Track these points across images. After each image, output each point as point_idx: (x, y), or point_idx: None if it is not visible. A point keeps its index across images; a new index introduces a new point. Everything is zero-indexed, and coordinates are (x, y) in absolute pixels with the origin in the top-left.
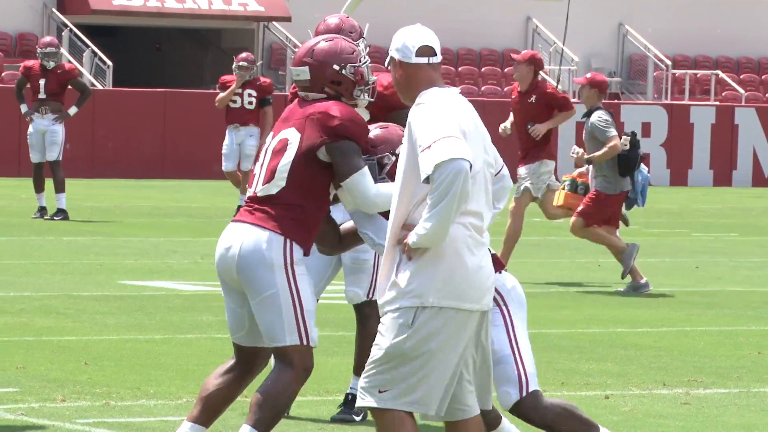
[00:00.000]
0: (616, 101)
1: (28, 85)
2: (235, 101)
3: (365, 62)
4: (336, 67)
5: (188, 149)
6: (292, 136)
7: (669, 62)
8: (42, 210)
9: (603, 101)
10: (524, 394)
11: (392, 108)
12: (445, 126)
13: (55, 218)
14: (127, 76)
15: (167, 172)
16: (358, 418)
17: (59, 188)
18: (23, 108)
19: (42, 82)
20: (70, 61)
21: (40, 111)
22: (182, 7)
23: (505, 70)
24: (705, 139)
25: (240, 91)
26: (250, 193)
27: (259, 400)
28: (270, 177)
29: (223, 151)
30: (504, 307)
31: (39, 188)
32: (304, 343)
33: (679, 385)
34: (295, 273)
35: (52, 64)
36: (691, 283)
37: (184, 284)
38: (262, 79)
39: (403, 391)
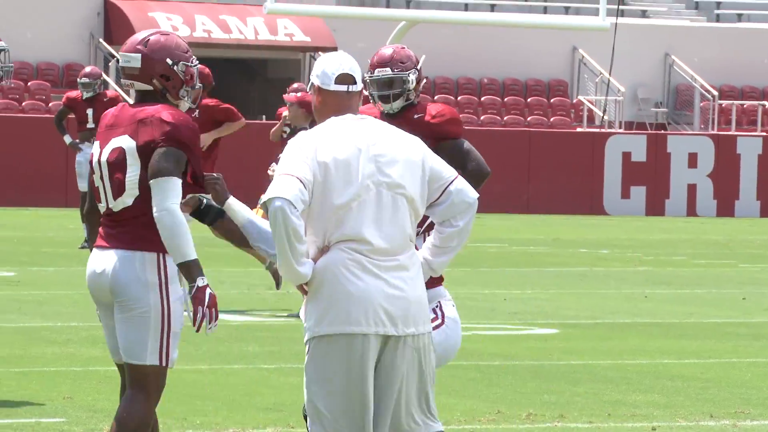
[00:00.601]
0: (662, 132)
1: (71, 115)
2: (285, 132)
3: (196, 65)
4: (169, 61)
5: (236, 179)
6: (127, 143)
7: (715, 92)
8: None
9: (310, 123)
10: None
11: (442, 137)
12: (287, 162)
13: None
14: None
15: None
16: None
17: None
18: (67, 139)
19: (90, 111)
20: (116, 91)
21: (91, 140)
22: (228, 38)
23: (552, 100)
24: (752, 170)
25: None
26: (102, 208)
27: (115, 429)
28: (120, 189)
29: None
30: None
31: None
32: (163, 364)
33: (726, 416)
34: (169, 292)
35: (89, 94)
36: (737, 315)
37: (232, 315)
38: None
39: (315, 417)
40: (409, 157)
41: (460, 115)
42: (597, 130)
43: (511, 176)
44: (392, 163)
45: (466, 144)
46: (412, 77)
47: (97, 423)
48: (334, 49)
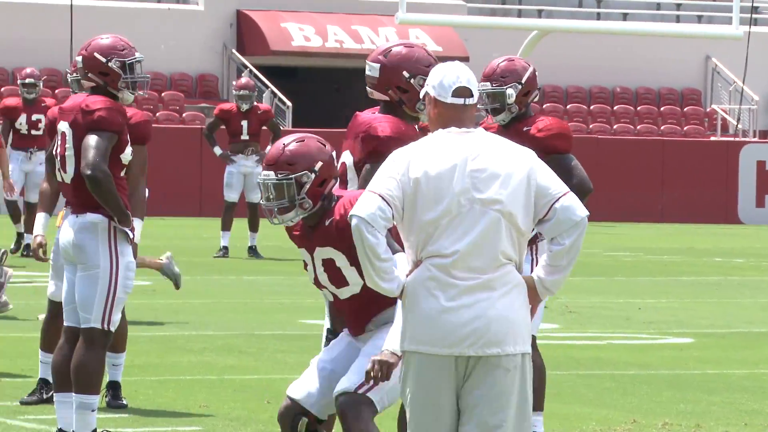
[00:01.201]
0: None
1: (222, 127)
2: None
3: (133, 59)
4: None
5: None
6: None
7: None
8: (224, 249)
9: None
10: (361, 391)
11: (548, 151)
12: (376, 177)
13: (260, 256)
14: (306, 117)
15: None
16: None
17: (255, 228)
18: (217, 150)
19: (244, 123)
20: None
21: (245, 152)
22: (361, 48)
23: (685, 109)
24: None
25: None
26: (59, 178)
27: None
28: (63, 164)
29: None
30: None
31: (227, 227)
32: (106, 328)
33: None
34: (118, 255)
35: (246, 107)
36: None
37: None
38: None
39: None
40: (512, 171)
41: (593, 125)
42: (731, 139)
43: (644, 185)
44: (490, 178)
45: (574, 161)
46: (510, 92)
47: (232, 431)
48: (466, 59)
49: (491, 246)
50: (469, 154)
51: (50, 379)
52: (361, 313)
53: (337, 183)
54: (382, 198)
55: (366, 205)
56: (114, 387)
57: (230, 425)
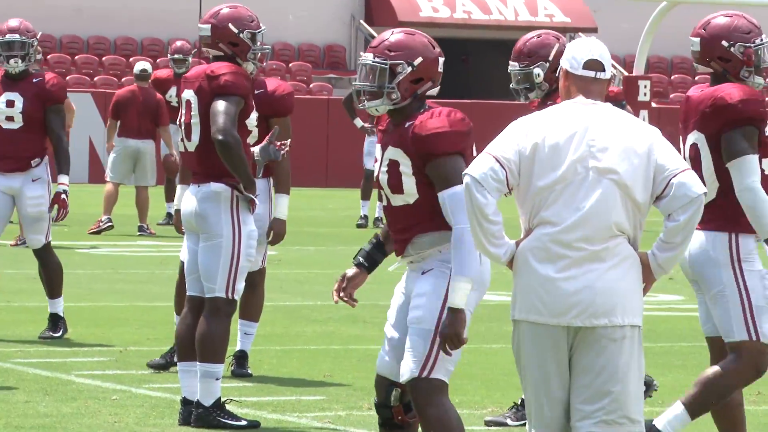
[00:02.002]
0: None
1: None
2: None
3: (260, 30)
4: (234, 30)
5: None
6: (192, 97)
7: None
8: (364, 218)
9: None
10: (424, 375)
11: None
12: (495, 140)
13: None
14: None
15: None
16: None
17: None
18: (358, 122)
19: None
20: None
21: None
22: (488, 19)
23: None
24: None
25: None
26: (181, 148)
27: None
28: (189, 132)
29: None
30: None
31: (366, 196)
32: (230, 296)
33: None
34: (240, 224)
35: None
36: None
37: (492, 294)
38: (613, 88)
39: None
40: (631, 145)
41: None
42: None
43: None
44: (608, 148)
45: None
46: (538, 71)
47: (356, 401)
48: (595, 30)
49: (604, 216)
50: (590, 123)
51: None
52: (406, 226)
53: (434, 87)
54: (497, 159)
55: (479, 165)
56: (242, 356)
57: (354, 395)
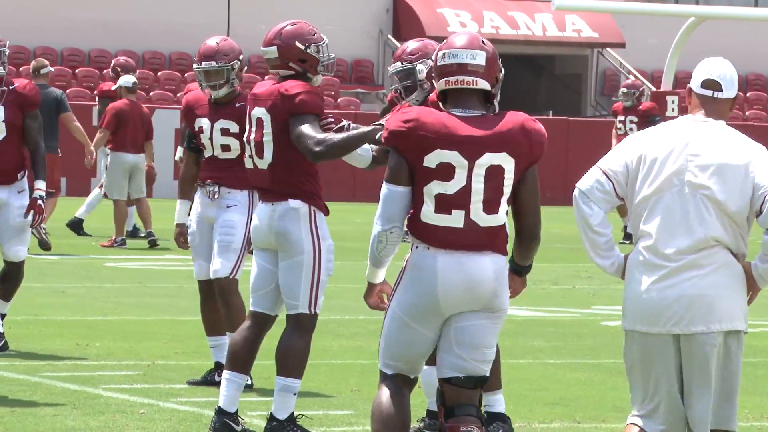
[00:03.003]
0: None
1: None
2: (619, 128)
3: (324, 42)
4: (301, 46)
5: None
6: (264, 115)
7: None
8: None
9: None
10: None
11: None
12: (607, 155)
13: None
14: None
15: None
16: None
17: None
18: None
19: None
20: None
21: None
22: (516, 34)
23: None
24: None
25: (623, 118)
26: (249, 165)
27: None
28: (260, 150)
29: None
30: None
31: None
32: (313, 312)
33: None
34: (320, 238)
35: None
36: None
37: (517, 309)
38: (645, 103)
39: (637, 406)
40: (730, 161)
41: (748, 111)
42: None
43: None
44: (705, 164)
45: None
46: (420, 67)
47: None
48: (622, 45)
49: (697, 228)
50: (692, 139)
51: (222, 362)
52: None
53: None
54: (603, 172)
55: (587, 178)
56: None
57: None
